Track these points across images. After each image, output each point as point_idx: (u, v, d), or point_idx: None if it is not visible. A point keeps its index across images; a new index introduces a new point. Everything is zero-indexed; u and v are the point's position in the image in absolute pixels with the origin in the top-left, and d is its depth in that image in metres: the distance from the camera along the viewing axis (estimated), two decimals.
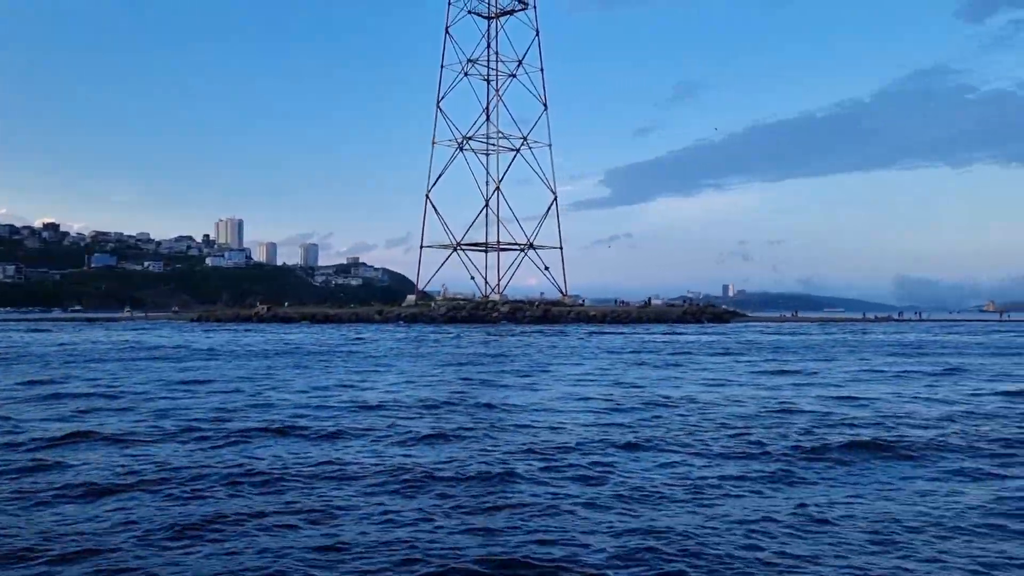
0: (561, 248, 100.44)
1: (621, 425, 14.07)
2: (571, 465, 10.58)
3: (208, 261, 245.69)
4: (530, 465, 10.57)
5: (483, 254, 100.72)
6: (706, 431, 13.34)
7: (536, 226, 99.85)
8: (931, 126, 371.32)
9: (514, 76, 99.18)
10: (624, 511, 8.34)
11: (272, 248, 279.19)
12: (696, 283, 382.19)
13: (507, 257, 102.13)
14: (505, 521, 7.98)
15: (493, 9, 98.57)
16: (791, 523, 7.91)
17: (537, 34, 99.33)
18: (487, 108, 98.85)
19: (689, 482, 9.65)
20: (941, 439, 12.69)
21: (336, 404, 16.95)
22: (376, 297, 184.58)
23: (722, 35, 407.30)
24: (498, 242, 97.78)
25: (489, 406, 16.75)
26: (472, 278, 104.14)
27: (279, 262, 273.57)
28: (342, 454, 11.33)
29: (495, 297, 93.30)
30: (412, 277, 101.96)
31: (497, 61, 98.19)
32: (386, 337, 52.02)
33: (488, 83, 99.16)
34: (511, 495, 9.02)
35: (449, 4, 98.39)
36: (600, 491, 9.17)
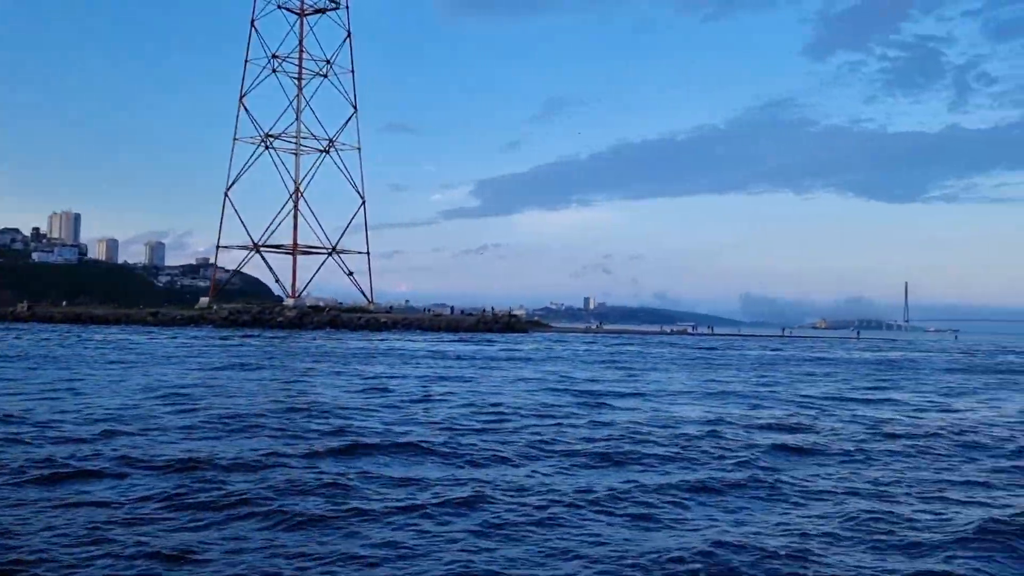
0: (368, 253, 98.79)
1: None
2: None
3: (35, 256, 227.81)
4: None
5: (287, 256, 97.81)
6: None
7: (343, 230, 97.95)
8: (778, 154, 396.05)
9: (324, 76, 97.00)
10: None
11: (113, 245, 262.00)
12: (560, 295, 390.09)
13: (314, 261, 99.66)
14: None
15: (304, 6, 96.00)
16: None
17: (349, 35, 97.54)
18: (297, 107, 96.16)
19: None
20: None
21: None
22: (228, 301, 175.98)
23: (591, 56, 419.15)
24: (293, 245, 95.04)
25: None
26: (277, 280, 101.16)
27: (120, 260, 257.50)
28: None
29: (289, 302, 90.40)
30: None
31: (302, 59, 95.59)
32: (132, 341, 48.61)
33: (299, 81, 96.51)
34: None
35: None
36: None
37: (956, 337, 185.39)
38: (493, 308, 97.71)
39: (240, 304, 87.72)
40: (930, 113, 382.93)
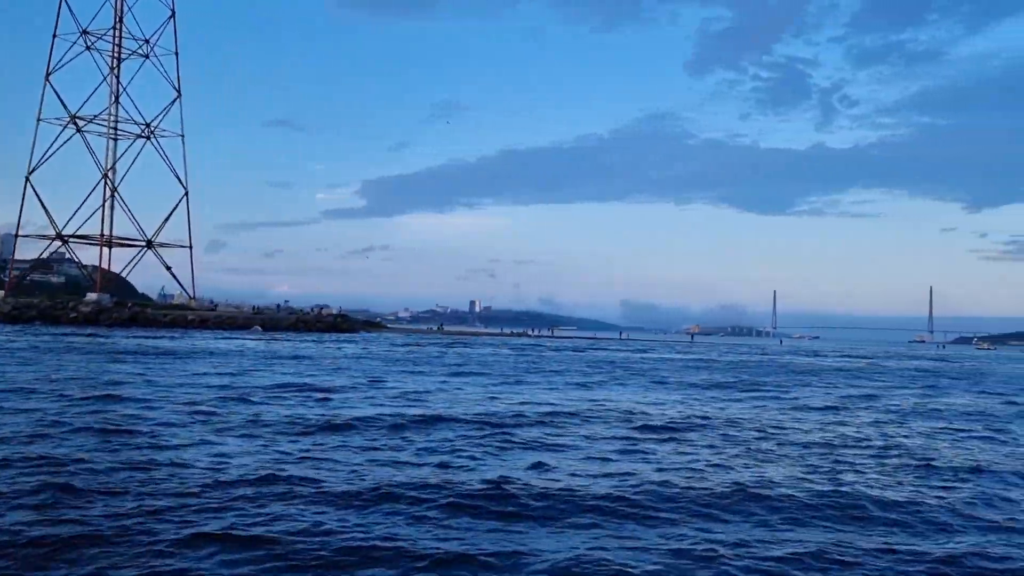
0: (191, 247, 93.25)
1: None
2: None
3: None
4: None
5: (97, 248, 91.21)
6: None
7: (162, 222, 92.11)
8: (659, 165, 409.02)
9: (145, 57, 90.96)
10: None
11: None
12: (446, 298, 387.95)
13: (129, 254, 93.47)
14: None
15: None
16: None
17: (173, 14, 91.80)
18: (114, 89, 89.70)
19: None
20: None
21: None
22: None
23: (481, 61, 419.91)
24: (102, 236, 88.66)
25: None
26: (85, 270, 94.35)
27: None
28: None
29: (92, 296, 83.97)
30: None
31: (120, 38, 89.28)
32: None
33: (115, 60, 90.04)
34: None
35: None
36: None
37: (810, 341, 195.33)
38: (321, 307, 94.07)
39: (34, 299, 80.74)
40: (798, 131, 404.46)
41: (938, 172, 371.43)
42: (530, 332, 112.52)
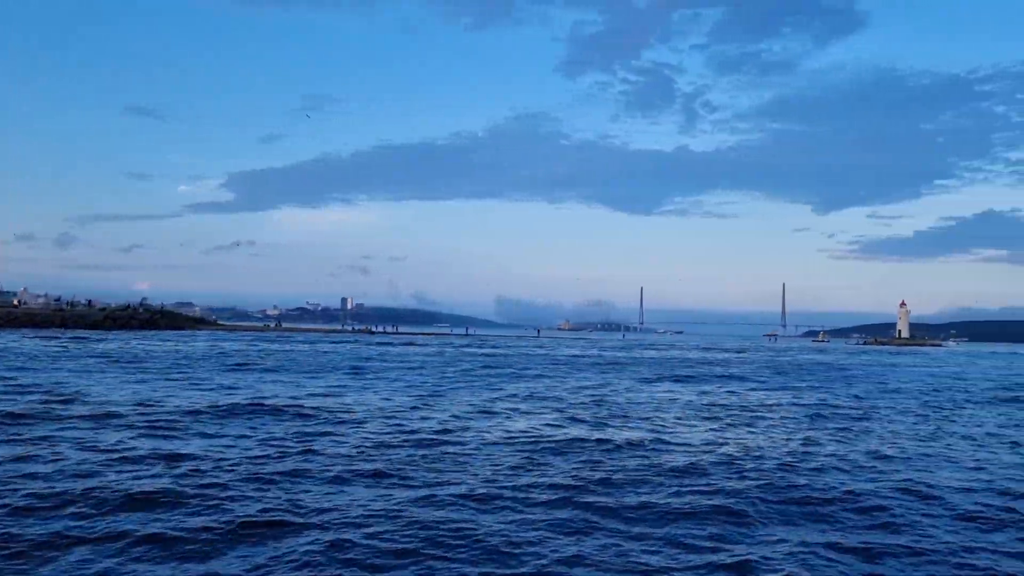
0: None
1: None
2: None
3: None
4: None
5: None
6: None
7: None
8: (534, 164, 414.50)
9: None
10: None
11: None
12: (317, 295, 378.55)
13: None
14: None
15: None
16: None
17: None
18: None
19: None
20: None
21: None
22: None
23: (355, 54, 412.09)
24: None
25: None
26: None
27: None
28: None
29: None
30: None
31: None
32: None
33: None
34: None
35: None
36: None
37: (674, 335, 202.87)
38: (143, 300, 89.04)
39: None
40: (665, 134, 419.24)
41: (790, 176, 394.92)
42: (373, 329, 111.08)
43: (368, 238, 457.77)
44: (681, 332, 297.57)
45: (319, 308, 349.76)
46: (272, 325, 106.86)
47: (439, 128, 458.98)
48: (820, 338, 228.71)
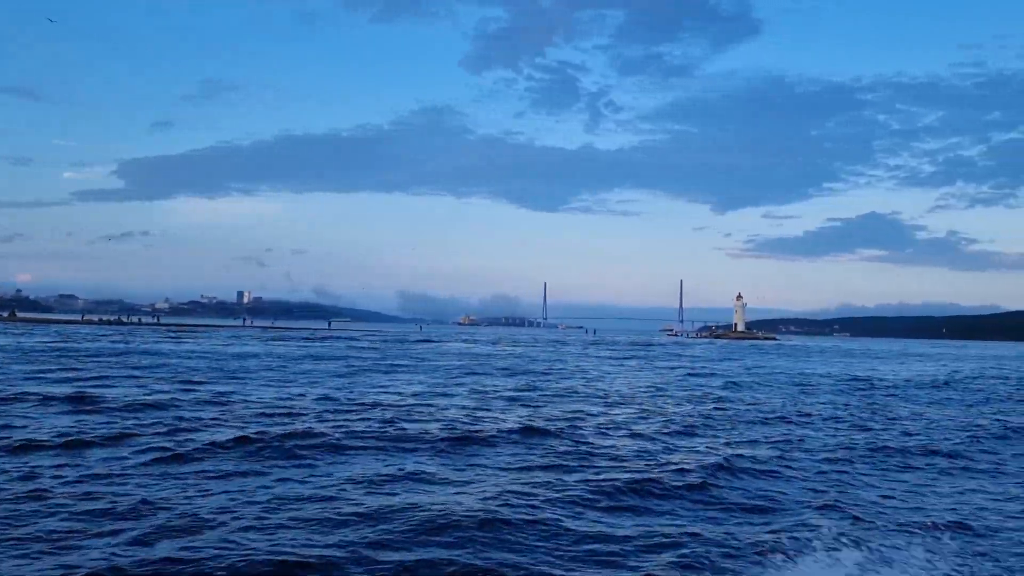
0: None
1: None
2: None
3: None
4: None
5: None
6: None
7: None
8: (438, 159, 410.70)
9: None
10: None
11: None
12: (214, 288, 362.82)
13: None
14: None
15: None
16: None
17: None
18: None
19: None
20: None
21: None
22: None
23: (253, 39, 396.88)
24: None
25: None
26: None
27: None
28: None
29: None
30: None
31: None
32: None
33: None
34: None
35: None
36: None
37: (592, 332, 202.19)
38: (16, 292, 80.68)
39: None
40: (570, 132, 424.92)
41: (690, 176, 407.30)
42: (246, 323, 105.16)
43: (269, 230, 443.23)
44: (581, 327, 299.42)
45: (214, 301, 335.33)
46: (126, 319, 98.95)
47: (343, 119, 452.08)
48: (706, 334, 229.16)
